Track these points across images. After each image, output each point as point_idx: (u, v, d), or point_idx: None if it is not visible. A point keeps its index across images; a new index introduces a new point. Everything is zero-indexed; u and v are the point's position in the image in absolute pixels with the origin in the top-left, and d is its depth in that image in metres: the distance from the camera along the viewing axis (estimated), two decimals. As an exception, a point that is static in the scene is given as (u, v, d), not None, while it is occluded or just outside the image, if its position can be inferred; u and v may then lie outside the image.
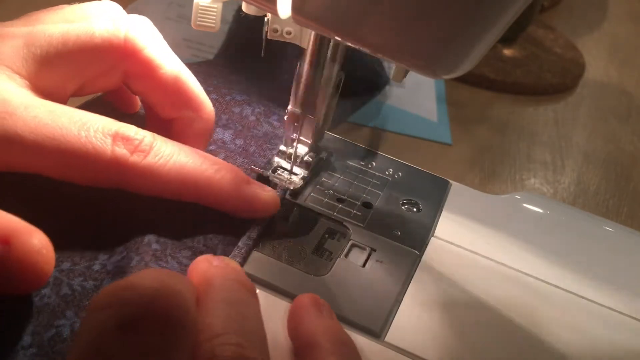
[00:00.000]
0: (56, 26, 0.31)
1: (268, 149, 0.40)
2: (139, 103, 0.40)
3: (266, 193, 0.33)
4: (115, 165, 0.29)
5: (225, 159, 0.38)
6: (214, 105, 0.36)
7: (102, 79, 0.34)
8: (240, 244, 0.32)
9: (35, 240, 0.25)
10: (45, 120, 0.28)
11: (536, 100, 0.62)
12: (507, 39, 0.66)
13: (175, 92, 0.34)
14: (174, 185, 0.31)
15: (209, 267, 0.28)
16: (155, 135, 0.31)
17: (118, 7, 0.34)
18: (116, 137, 0.29)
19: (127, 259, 0.30)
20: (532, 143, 0.56)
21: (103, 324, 0.21)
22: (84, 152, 0.29)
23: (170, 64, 0.34)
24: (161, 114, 0.35)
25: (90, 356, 0.20)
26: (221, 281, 0.27)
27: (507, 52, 0.66)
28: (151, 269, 0.27)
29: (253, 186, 0.33)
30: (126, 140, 0.29)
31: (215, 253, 0.32)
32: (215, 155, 0.37)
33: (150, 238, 0.31)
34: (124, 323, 0.21)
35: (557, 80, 0.64)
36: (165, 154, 0.30)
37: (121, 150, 0.29)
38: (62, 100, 0.32)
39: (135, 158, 0.29)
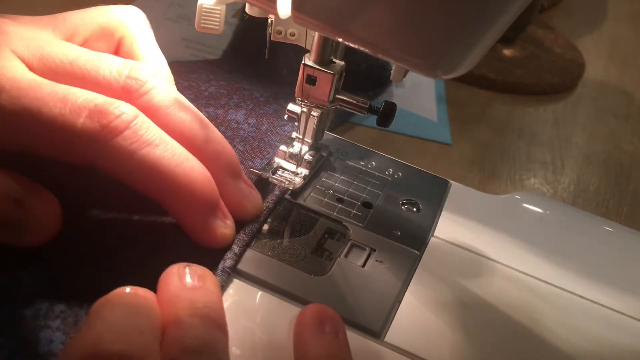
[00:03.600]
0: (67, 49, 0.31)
1: (279, 125, 0.41)
2: None
3: (225, 230, 0.31)
4: (83, 140, 0.27)
5: (241, 143, 0.39)
6: (224, 88, 0.35)
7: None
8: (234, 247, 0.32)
9: (43, 200, 0.28)
10: (27, 92, 0.27)
11: (536, 100, 0.62)
12: (507, 39, 0.66)
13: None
14: (140, 178, 0.29)
15: (180, 288, 0.26)
16: (142, 115, 0.29)
17: (141, 13, 0.34)
18: (93, 110, 0.28)
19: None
20: (532, 143, 0.56)
21: None
22: (55, 124, 0.27)
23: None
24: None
25: None
26: (189, 319, 0.25)
27: (507, 52, 0.66)
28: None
29: (214, 218, 0.31)
30: (101, 113, 0.27)
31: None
32: (230, 141, 0.37)
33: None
34: None
35: (557, 80, 0.64)
36: (142, 139, 0.28)
37: (92, 124, 0.27)
38: None
39: (105, 134, 0.27)
